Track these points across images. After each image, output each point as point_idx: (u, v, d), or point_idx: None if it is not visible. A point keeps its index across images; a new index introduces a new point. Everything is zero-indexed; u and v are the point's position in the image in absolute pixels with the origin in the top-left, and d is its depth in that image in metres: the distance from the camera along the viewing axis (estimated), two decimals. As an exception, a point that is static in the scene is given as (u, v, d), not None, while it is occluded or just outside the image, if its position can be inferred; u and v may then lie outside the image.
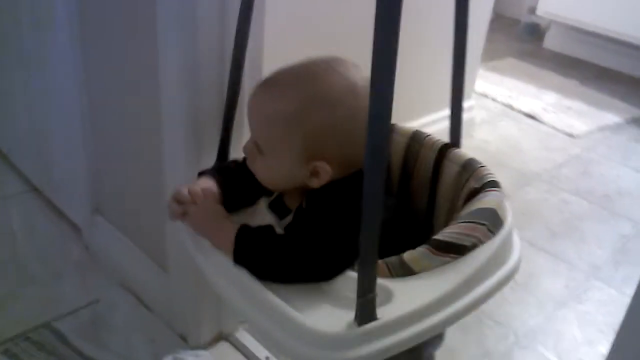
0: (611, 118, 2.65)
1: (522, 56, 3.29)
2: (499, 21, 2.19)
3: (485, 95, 2.69)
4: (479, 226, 0.83)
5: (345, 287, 0.76)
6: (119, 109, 1.30)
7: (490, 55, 2.26)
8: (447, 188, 0.97)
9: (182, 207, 0.88)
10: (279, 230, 0.86)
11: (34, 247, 1.53)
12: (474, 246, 0.81)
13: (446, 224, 0.90)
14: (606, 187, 2.13)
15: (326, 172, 0.85)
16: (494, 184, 0.90)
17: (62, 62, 1.39)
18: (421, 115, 2.09)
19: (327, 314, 0.75)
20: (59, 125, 1.53)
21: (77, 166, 1.47)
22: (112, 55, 1.25)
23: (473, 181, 0.91)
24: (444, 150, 0.98)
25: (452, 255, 0.80)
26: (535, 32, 3.63)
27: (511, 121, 2.54)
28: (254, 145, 0.88)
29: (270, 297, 0.76)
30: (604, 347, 1.41)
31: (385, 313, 0.73)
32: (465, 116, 2.35)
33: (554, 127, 2.52)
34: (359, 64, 0.87)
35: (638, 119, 2.69)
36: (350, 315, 0.72)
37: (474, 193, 0.89)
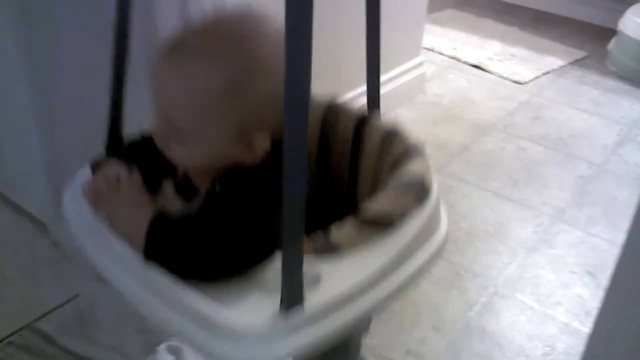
0: (554, 62, 2.71)
1: (461, 6, 3.30)
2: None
3: (432, 49, 2.70)
4: (406, 196, 0.79)
5: (266, 276, 0.69)
6: (76, 91, 1.25)
7: (430, 7, 2.26)
8: (370, 158, 0.92)
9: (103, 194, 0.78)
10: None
11: (0, 248, 1.47)
12: (401, 216, 0.77)
13: (370, 195, 0.86)
14: (558, 130, 2.18)
15: (263, 144, 0.76)
16: (418, 151, 0.86)
17: (3, 46, 1.31)
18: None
19: (251, 304, 0.67)
20: (11, 118, 1.46)
21: (33, 160, 1.41)
22: (62, 27, 1.20)
23: (396, 148, 0.87)
24: (364, 119, 0.93)
25: (380, 227, 0.75)
26: (469, -19, 3.65)
27: (459, 73, 2.57)
28: (169, 128, 0.75)
29: (181, 291, 0.68)
30: (580, 288, 1.47)
31: (314, 297, 0.66)
32: (417, 72, 2.38)
33: (501, 76, 2.56)
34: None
35: (580, 60, 2.76)
36: (274, 303, 0.65)
37: (399, 161, 0.85)
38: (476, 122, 2.19)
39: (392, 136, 0.89)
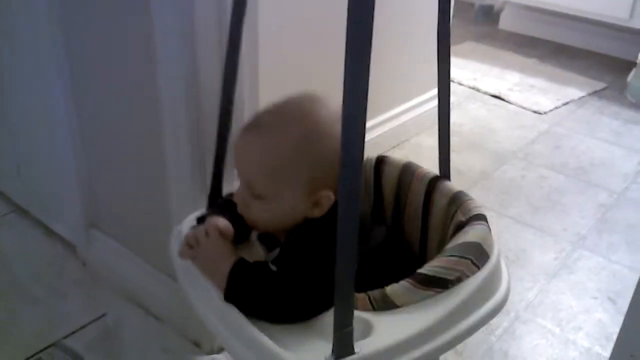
0: (574, 92, 2.73)
1: (480, 39, 3.35)
2: (454, 6, 2.24)
3: (452, 80, 2.73)
4: (462, 260, 0.83)
5: (330, 321, 0.75)
6: (112, 119, 1.29)
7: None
8: (437, 220, 0.99)
9: (191, 249, 0.89)
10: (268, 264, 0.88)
11: (30, 268, 1.51)
12: (458, 280, 0.82)
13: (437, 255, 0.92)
14: (579, 159, 2.20)
15: (329, 200, 0.86)
16: (479, 217, 0.90)
17: (44, 72, 1.36)
18: (401, 102, 2.14)
19: (309, 348, 0.74)
20: (44, 140, 1.51)
21: (68, 182, 1.45)
22: (101, 61, 1.24)
23: (460, 214, 0.92)
24: (434, 183, 0.99)
25: (435, 289, 0.80)
26: (489, 14, 3.70)
27: (479, 103, 2.60)
28: (248, 192, 0.87)
29: (254, 332, 0.76)
30: (600, 314, 1.47)
31: (363, 347, 0.72)
32: (435, 103, 2.40)
33: (521, 106, 2.59)
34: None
35: (599, 91, 2.78)
36: (329, 349, 0.72)
37: (460, 226, 0.90)
38: (496, 151, 2.21)
39: (457, 200, 0.95)
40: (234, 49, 0.93)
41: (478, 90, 2.70)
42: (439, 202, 0.98)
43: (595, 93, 2.76)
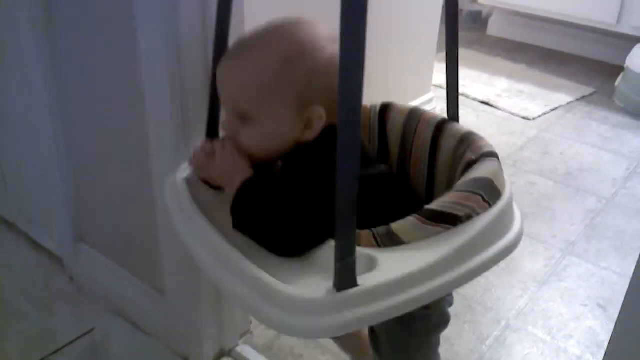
0: (562, 98, 2.74)
1: (469, 44, 3.36)
2: (441, 12, 2.25)
3: (441, 87, 2.74)
4: (473, 195, 0.79)
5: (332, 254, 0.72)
6: (99, 132, 1.28)
7: (438, 46, 2.31)
8: (445, 162, 0.95)
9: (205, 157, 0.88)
10: None
11: (16, 282, 1.50)
12: (468, 217, 0.78)
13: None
14: (567, 165, 2.20)
15: (320, 118, 0.83)
16: (490, 154, 0.87)
17: (28, 80, 1.35)
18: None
19: (308, 280, 0.72)
20: (29, 153, 1.50)
21: (54, 195, 1.44)
22: (87, 72, 1.23)
23: (470, 153, 0.89)
24: (442, 125, 0.96)
25: (444, 225, 0.77)
26: (477, 19, 3.71)
27: (468, 109, 2.60)
28: (236, 117, 0.85)
29: (248, 264, 0.73)
30: (591, 321, 1.47)
31: (366, 280, 0.69)
32: (427, 108, 2.41)
33: (509, 112, 2.59)
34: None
35: (587, 96, 2.79)
36: (331, 282, 0.69)
37: (471, 164, 0.87)
38: (485, 158, 2.21)
39: (466, 140, 0.92)
40: (222, 41, 0.90)
41: (467, 96, 2.71)
42: (447, 144, 0.94)
43: (583, 98, 2.77)
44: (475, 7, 3.67)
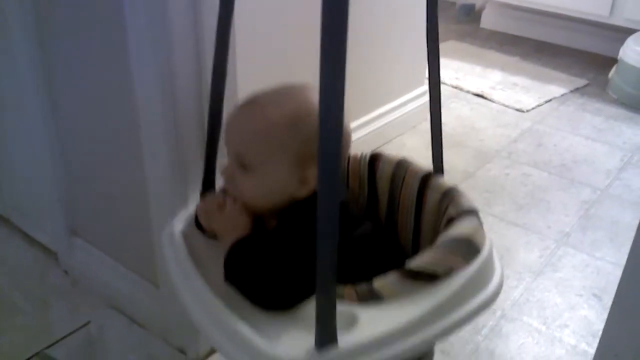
0: (556, 90, 2.74)
1: (462, 37, 3.36)
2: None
3: (434, 79, 2.74)
4: (451, 255, 0.82)
5: (307, 313, 0.75)
6: (91, 126, 1.28)
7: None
8: (430, 216, 0.99)
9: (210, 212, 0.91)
10: None
11: (10, 276, 1.49)
12: (446, 274, 0.80)
13: None
14: (561, 156, 2.20)
15: (315, 177, 0.83)
16: (470, 212, 0.90)
17: (19, 75, 1.34)
18: (384, 102, 2.14)
19: (292, 337, 0.74)
20: (22, 147, 1.49)
21: (48, 190, 1.44)
22: (78, 68, 1.23)
23: (451, 209, 0.92)
24: (427, 178, 0.99)
25: (424, 281, 0.79)
26: (471, 12, 3.71)
27: (462, 102, 2.60)
28: (237, 165, 0.88)
29: (233, 318, 0.76)
30: (586, 311, 1.47)
31: (347, 338, 0.71)
32: (420, 101, 2.41)
33: (503, 105, 2.59)
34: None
35: (581, 88, 2.79)
36: (311, 340, 0.71)
37: (451, 221, 0.90)
38: (480, 149, 2.21)
39: (449, 195, 0.95)
40: (223, 44, 0.92)
41: (461, 89, 2.71)
42: (432, 198, 0.98)
43: (577, 90, 2.77)
44: (469, 0, 3.67)
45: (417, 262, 0.81)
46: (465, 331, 1.39)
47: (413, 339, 0.75)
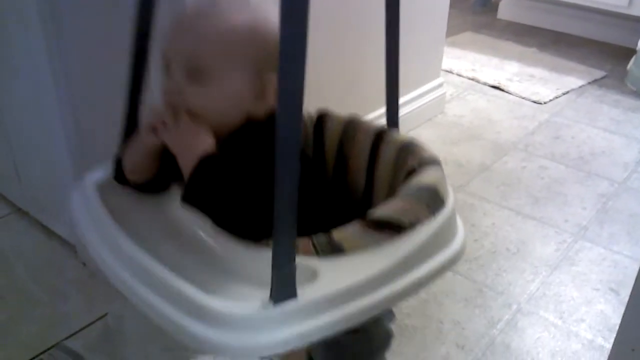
0: (573, 81, 2.72)
1: (479, 29, 3.34)
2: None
3: (451, 71, 2.73)
4: (417, 203, 0.78)
5: (258, 265, 0.67)
6: (108, 119, 1.28)
7: (448, 31, 2.30)
8: (385, 170, 0.94)
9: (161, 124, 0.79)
10: None
11: (30, 269, 1.51)
12: (411, 225, 0.75)
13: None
14: (579, 149, 2.19)
15: (274, 87, 0.77)
16: (433, 162, 0.85)
17: (37, 71, 1.35)
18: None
19: (241, 292, 0.68)
20: (40, 141, 1.50)
21: (64, 183, 1.45)
22: (96, 62, 1.23)
23: (411, 159, 0.87)
24: (381, 134, 0.94)
25: (387, 232, 0.74)
26: (487, 3, 3.68)
27: (479, 94, 2.59)
28: (187, 76, 0.78)
29: (170, 275, 0.67)
30: (602, 305, 1.47)
31: (306, 293, 0.65)
32: (437, 93, 2.41)
33: (520, 96, 2.58)
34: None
35: (599, 79, 2.77)
36: (267, 293, 0.64)
37: (413, 171, 0.85)
38: (496, 142, 2.20)
39: (407, 148, 0.90)
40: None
41: (477, 81, 2.69)
42: (387, 152, 0.92)
43: (595, 82, 2.75)
44: (486, -9, 3.65)
45: (381, 211, 0.75)
46: (481, 325, 1.39)
47: (377, 294, 0.70)
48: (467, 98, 2.54)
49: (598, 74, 2.81)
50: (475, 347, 1.33)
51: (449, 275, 1.53)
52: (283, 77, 0.56)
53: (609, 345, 1.33)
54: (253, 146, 0.79)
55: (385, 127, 0.96)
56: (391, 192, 0.90)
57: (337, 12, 1.66)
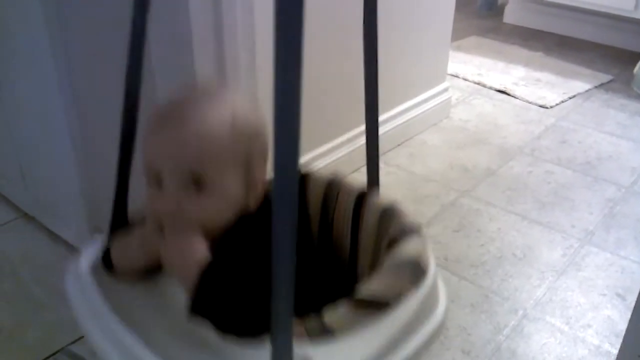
0: (580, 86, 2.71)
1: (485, 33, 3.33)
2: (457, 0, 2.25)
3: (456, 76, 2.73)
4: (400, 279, 0.79)
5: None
6: (113, 124, 1.28)
7: (453, 35, 2.30)
8: (368, 238, 0.95)
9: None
10: None
11: (36, 273, 1.51)
12: (395, 301, 0.77)
13: (370, 272, 0.88)
14: (585, 153, 2.18)
15: (263, 180, 0.80)
16: (413, 231, 0.87)
17: (43, 75, 1.36)
18: (404, 100, 2.12)
19: None
20: (46, 145, 1.51)
21: (71, 187, 1.45)
22: (100, 66, 1.24)
23: (393, 228, 0.89)
24: (362, 197, 0.95)
25: (375, 308, 0.75)
26: (493, 7, 3.68)
27: (484, 98, 2.58)
28: (186, 187, 0.76)
29: None
30: (609, 311, 1.46)
31: None
32: (442, 97, 2.41)
33: (526, 101, 2.57)
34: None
35: (605, 83, 2.76)
36: None
37: (394, 241, 0.86)
38: (502, 146, 2.20)
39: (388, 214, 0.91)
40: (138, 45, 0.84)
41: (483, 85, 2.69)
42: (369, 217, 0.94)
43: (601, 86, 2.74)
44: (491, -5, 3.65)
45: (367, 290, 0.77)
46: (487, 331, 1.38)
47: None
48: (473, 102, 2.54)
49: (604, 77, 2.81)
50: (481, 353, 1.32)
51: (454, 280, 1.53)
52: (278, 149, 0.54)
53: (615, 351, 1.32)
54: (247, 242, 0.78)
55: (366, 188, 0.97)
56: (375, 258, 0.92)
57: (336, 20, 1.67)
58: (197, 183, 0.76)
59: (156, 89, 1.06)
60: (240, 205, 0.80)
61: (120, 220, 0.91)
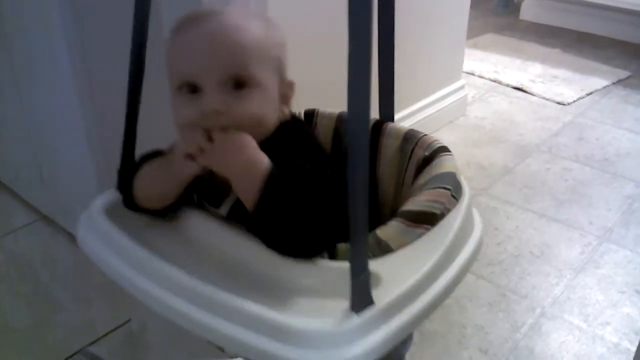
0: (598, 82, 2.69)
1: (501, 30, 3.32)
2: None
3: (472, 73, 2.71)
4: (443, 191, 0.80)
5: (321, 279, 0.68)
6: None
7: (470, 32, 2.29)
8: (390, 163, 0.94)
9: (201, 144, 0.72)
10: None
11: (55, 275, 1.53)
12: (442, 214, 0.78)
13: (396, 197, 0.89)
14: (604, 150, 2.16)
15: (293, 92, 0.82)
16: (444, 149, 0.88)
17: (61, 77, 1.37)
18: (420, 98, 2.12)
19: (317, 309, 0.65)
20: (64, 148, 1.52)
21: (89, 188, 1.47)
22: (117, 62, 1.24)
23: (421, 150, 0.89)
24: (379, 126, 0.94)
25: (425, 226, 0.76)
26: (509, 4, 3.66)
27: (501, 96, 2.57)
28: (229, 88, 0.74)
29: (248, 305, 0.64)
30: (628, 308, 1.45)
31: (378, 296, 0.64)
32: (458, 95, 2.40)
33: (543, 98, 2.55)
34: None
35: (623, 80, 2.73)
36: (340, 306, 0.63)
37: (427, 161, 0.87)
38: (519, 144, 2.18)
39: (412, 138, 0.91)
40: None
41: (500, 82, 2.68)
42: (389, 144, 0.93)
43: (619, 82, 2.72)
44: (508, -8, 3.63)
45: (416, 204, 0.77)
46: (504, 329, 1.38)
47: (436, 287, 0.71)
48: (489, 100, 2.52)
49: (622, 74, 2.78)
50: (499, 352, 1.32)
51: (471, 279, 1.52)
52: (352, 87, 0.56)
53: (634, 349, 1.31)
54: (295, 148, 0.78)
55: (379, 119, 0.96)
56: (400, 183, 0.92)
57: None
58: (238, 87, 0.75)
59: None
60: (277, 112, 0.80)
61: (130, 152, 0.90)
